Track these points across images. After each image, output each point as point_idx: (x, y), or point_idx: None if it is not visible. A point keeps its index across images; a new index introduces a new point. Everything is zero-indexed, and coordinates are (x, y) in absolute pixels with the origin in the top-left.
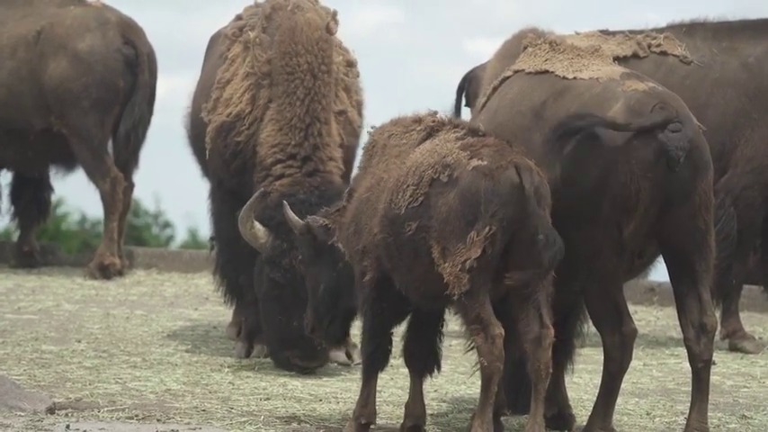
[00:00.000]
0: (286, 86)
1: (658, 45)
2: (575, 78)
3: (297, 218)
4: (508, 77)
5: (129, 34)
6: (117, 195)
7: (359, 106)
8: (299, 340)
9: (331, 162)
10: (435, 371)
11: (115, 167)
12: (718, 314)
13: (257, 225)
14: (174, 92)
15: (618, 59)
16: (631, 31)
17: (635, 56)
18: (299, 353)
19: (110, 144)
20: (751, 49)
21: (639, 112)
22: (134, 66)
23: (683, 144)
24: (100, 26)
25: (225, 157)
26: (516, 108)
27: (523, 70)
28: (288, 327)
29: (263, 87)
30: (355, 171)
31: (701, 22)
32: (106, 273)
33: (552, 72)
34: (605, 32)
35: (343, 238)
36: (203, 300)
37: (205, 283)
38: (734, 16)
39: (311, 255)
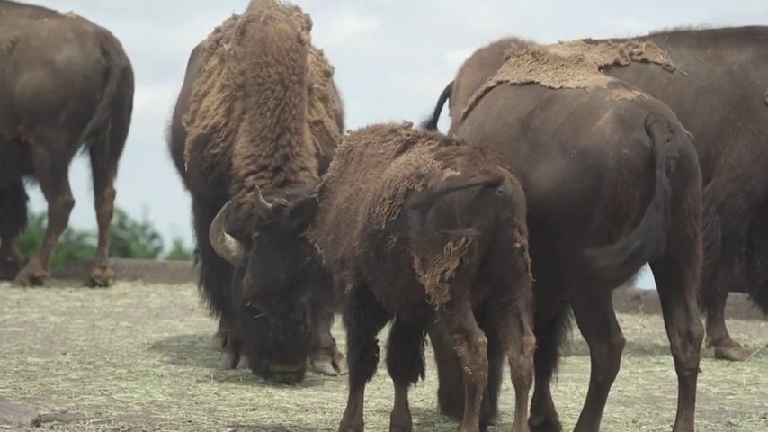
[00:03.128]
0: (257, 97)
1: (640, 53)
2: (561, 88)
3: (266, 203)
4: (491, 88)
5: (107, 45)
6: (65, 216)
7: (337, 116)
8: (276, 348)
9: (303, 172)
10: (420, 379)
11: (71, 191)
12: (703, 322)
13: (228, 238)
14: (155, 102)
15: (599, 68)
16: (614, 40)
17: (616, 64)
18: (277, 359)
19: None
20: (735, 57)
21: (630, 122)
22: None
23: (672, 153)
24: (78, 37)
25: (202, 170)
26: (503, 120)
27: (507, 81)
28: (264, 336)
29: (237, 99)
30: (329, 174)
31: (684, 30)
32: (36, 282)
33: (538, 83)
34: (588, 41)
35: (319, 241)
36: (189, 311)
37: (191, 294)
38: (717, 24)
39: (276, 239)
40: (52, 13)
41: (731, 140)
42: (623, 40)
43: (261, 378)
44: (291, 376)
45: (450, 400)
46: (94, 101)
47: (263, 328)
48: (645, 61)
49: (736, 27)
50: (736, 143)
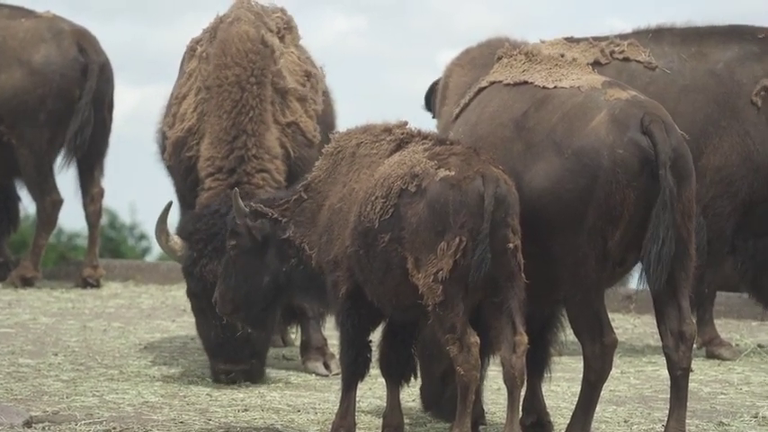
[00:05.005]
0: (217, 99)
1: (621, 51)
2: (555, 88)
3: (243, 206)
4: (484, 88)
5: (84, 43)
6: (53, 216)
7: (318, 115)
8: (220, 347)
9: (260, 174)
10: (412, 379)
11: (58, 190)
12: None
13: (174, 238)
14: (144, 103)
15: None
16: (596, 38)
17: (596, 63)
18: (223, 358)
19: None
20: (720, 55)
21: (624, 122)
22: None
23: (668, 153)
24: (54, 36)
25: (181, 173)
26: (497, 120)
27: (501, 81)
28: (208, 335)
29: (206, 101)
30: (315, 174)
31: (668, 27)
32: (27, 283)
33: (531, 83)
34: (570, 40)
35: (308, 241)
36: (180, 311)
37: (182, 294)
38: (701, 23)
39: (255, 245)
40: (29, 13)
41: (715, 140)
42: (605, 38)
43: (213, 380)
44: (237, 375)
45: (435, 398)
46: (73, 99)
47: (206, 329)
48: (626, 59)
49: (720, 25)
50: (720, 143)
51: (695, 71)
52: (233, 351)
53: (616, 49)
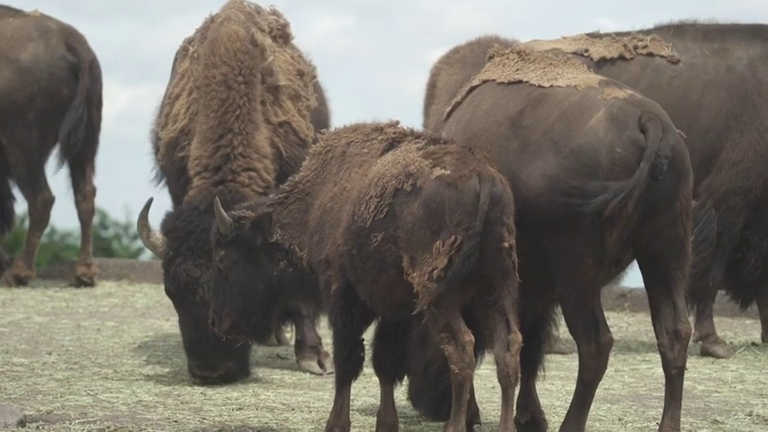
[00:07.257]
0: (205, 98)
1: (645, 46)
2: (551, 86)
3: (225, 213)
4: (476, 87)
5: (72, 41)
6: (45, 214)
7: (311, 114)
8: (196, 349)
9: (246, 173)
10: (406, 378)
11: (50, 188)
12: (691, 318)
13: (157, 234)
14: (136, 102)
15: (605, 61)
16: (618, 33)
17: (621, 58)
18: (198, 362)
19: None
20: (743, 52)
21: (623, 121)
22: (78, 72)
23: (665, 151)
24: (42, 35)
25: (174, 173)
26: (492, 118)
27: (494, 80)
28: (186, 335)
29: (197, 101)
30: (303, 174)
31: (690, 23)
32: (21, 282)
33: (526, 81)
34: (592, 35)
35: (298, 242)
36: (174, 311)
37: None
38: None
39: (244, 252)
40: (17, 13)
41: (735, 136)
42: (627, 34)
43: (191, 377)
44: (214, 381)
45: (419, 395)
46: (62, 97)
47: (184, 328)
48: (650, 54)
49: (743, 24)
50: (740, 139)
51: (718, 67)
52: (208, 356)
53: (640, 44)
